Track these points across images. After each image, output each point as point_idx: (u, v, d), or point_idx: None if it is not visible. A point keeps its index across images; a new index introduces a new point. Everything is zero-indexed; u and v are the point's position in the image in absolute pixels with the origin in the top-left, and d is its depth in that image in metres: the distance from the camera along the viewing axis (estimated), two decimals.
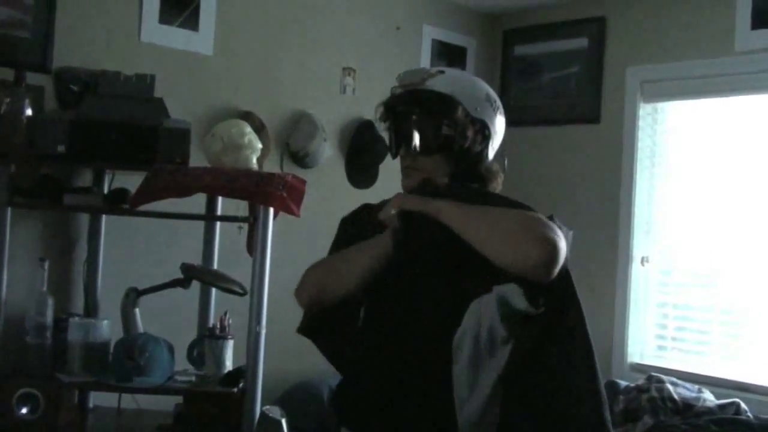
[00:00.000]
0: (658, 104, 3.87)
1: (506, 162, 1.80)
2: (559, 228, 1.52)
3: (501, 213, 1.56)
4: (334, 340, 1.79)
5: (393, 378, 1.62)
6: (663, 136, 3.87)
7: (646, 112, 3.88)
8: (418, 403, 1.60)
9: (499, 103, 1.77)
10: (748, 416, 2.99)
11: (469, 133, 1.70)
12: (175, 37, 3.21)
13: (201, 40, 3.29)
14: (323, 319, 1.75)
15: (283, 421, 2.52)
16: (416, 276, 1.62)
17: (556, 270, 1.48)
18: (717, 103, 3.67)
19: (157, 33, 3.16)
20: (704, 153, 3.75)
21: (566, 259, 1.52)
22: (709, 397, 3.13)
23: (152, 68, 2.93)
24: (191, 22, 3.26)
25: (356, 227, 1.78)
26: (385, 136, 1.76)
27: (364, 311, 1.74)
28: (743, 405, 3.06)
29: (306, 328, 1.78)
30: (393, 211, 1.64)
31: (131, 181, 2.69)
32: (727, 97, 3.62)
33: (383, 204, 1.73)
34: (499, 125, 1.76)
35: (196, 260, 2.88)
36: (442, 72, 1.71)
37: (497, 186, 1.75)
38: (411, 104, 1.69)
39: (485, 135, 1.73)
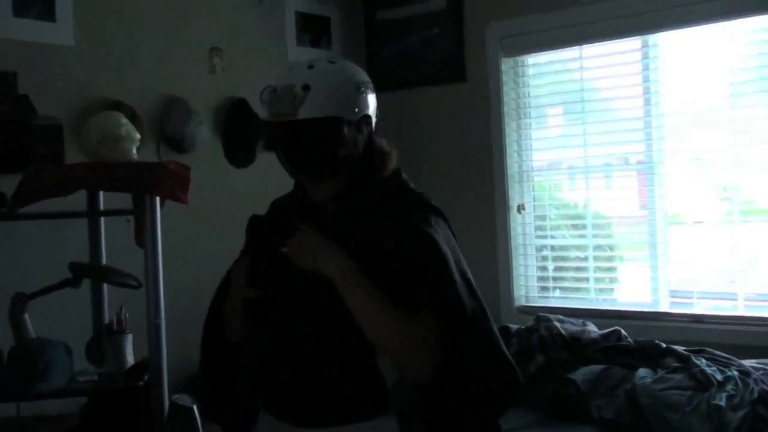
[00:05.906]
0: (519, 58, 4.03)
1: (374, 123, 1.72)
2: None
3: (398, 322, 1.54)
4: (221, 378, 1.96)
5: (319, 368, 1.65)
6: (525, 89, 4.05)
7: (508, 66, 4.02)
8: (349, 385, 1.64)
9: (367, 79, 1.68)
10: (628, 341, 3.22)
11: (359, 137, 1.64)
12: (32, 29, 3.07)
13: (60, 31, 3.15)
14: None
15: (194, 408, 2.54)
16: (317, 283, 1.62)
17: None
18: (572, 53, 3.87)
19: (12, 26, 3.01)
20: (565, 101, 3.96)
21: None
22: (592, 329, 3.33)
23: (11, 64, 2.81)
24: (47, 12, 3.11)
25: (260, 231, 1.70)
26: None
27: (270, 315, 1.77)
28: (623, 332, 3.28)
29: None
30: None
31: (4, 184, 2.59)
32: (580, 46, 3.82)
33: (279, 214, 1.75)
34: (373, 103, 1.68)
35: (84, 258, 2.82)
36: (307, 88, 1.56)
37: (394, 159, 1.70)
38: (292, 138, 1.59)
39: (368, 123, 1.66)
